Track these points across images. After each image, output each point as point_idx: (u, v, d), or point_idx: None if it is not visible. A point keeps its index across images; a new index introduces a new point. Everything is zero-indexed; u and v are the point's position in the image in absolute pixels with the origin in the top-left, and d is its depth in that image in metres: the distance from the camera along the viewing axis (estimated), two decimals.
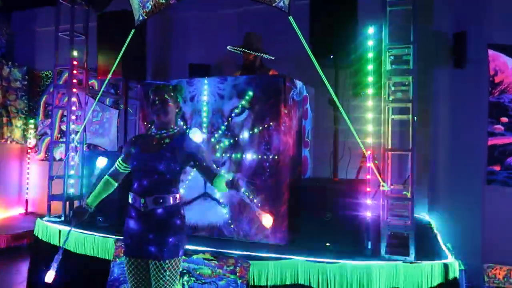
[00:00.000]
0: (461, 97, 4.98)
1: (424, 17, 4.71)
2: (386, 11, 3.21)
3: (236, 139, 3.61)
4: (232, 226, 3.61)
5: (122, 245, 2.75)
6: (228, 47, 4.49)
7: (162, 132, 2.37)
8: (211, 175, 2.33)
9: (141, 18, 3.99)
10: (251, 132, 3.58)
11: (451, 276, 2.97)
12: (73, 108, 4.21)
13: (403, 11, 3.31)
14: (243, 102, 3.61)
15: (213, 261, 3.19)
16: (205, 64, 5.88)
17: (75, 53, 4.23)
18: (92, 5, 4.32)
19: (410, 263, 3.01)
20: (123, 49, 3.95)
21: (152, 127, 2.46)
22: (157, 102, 2.34)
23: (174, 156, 2.31)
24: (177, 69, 5.88)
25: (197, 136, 3.67)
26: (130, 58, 4.22)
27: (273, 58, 4.41)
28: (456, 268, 3.00)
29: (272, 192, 3.49)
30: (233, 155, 3.60)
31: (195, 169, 2.40)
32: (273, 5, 3.56)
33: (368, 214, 3.25)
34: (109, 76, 4.07)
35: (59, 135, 7.16)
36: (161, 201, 2.29)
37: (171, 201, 2.32)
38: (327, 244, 3.37)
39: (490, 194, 4.97)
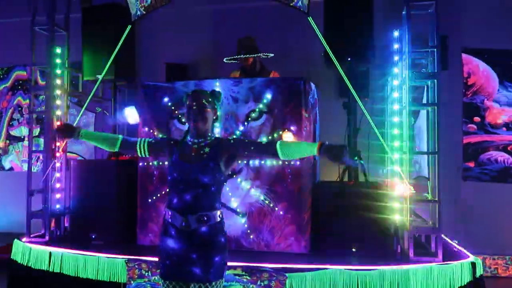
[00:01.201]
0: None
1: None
2: (409, 15, 3.23)
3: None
4: (251, 236, 3.43)
5: (145, 267, 2.47)
6: (224, 60, 4.26)
7: (200, 140, 2.16)
8: (269, 147, 2.14)
9: (138, 13, 3.63)
10: (270, 137, 3.42)
11: (478, 273, 3.08)
12: (58, 113, 3.70)
13: (416, 15, 3.36)
14: (261, 106, 3.43)
15: (245, 277, 2.99)
16: (182, 64, 5.56)
17: (57, 50, 3.71)
18: None
19: (441, 264, 3.07)
20: (118, 46, 3.57)
21: (187, 135, 2.23)
22: (194, 107, 2.13)
23: (217, 164, 2.12)
24: (151, 69, 5.48)
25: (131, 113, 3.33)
26: (120, 57, 3.81)
27: (272, 55, 4.26)
28: (481, 265, 3.12)
29: (295, 199, 3.36)
30: (251, 162, 3.41)
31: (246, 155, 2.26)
32: (291, 4, 3.43)
33: (396, 217, 3.26)
34: (101, 76, 3.66)
35: (7, 141, 6.38)
36: (205, 219, 2.07)
37: (216, 219, 2.12)
38: (353, 249, 3.33)
39: (466, 190, 5.30)
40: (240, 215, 3.42)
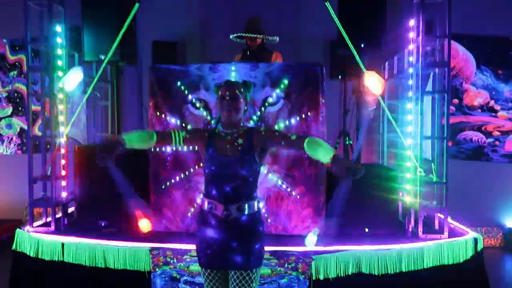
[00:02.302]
0: None
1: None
2: (422, 4, 3.34)
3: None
4: (269, 220, 3.49)
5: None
6: (231, 37, 4.18)
7: (233, 131, 2.17)
8: (297, 143, 2.11)
9: None
10: (287, 122, 3.45)
11: (479, 247, 3.38)
12: (60, 96, 3.48)
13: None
14: (278, 91, 3.44)
15: (273, 260, 3.08)
16: (170, 41, 5.38)
17: (58, 28, 3.45)
18: None
19: (449, 241, 3.32)
20: (126, 25, 3.39)
21: (218, 125, 2.25)
22: (227, 98, 2.12)
23: (253, 155, 2.14)
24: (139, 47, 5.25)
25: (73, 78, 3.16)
26: (121, 37, 3.62)
27: (277, 39, 4.25)
28: (482, 241, 3.42)
29: (312, 183, 3.45)
30: None
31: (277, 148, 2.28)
32: None
33: (406, 199, 3.46)
34: (108, 57, 3.47)
35: None
36: (245, 207, 2.13)
37: (255, 208, 2.18)
38: (366, 229, 3.51)
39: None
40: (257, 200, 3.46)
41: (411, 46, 3.36)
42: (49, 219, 3.65)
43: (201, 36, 5.67)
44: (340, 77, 5.17)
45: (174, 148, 2.23)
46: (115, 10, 3.69)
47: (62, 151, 3.54)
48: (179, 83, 3.50)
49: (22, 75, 5.77)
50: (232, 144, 2.14)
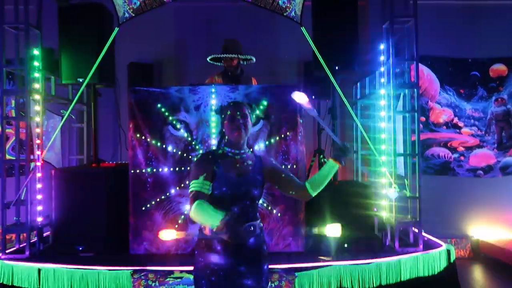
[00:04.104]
0: None
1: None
2: (392, 30, 3.55)
3: (251, 150, 3.51)
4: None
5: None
6: (208, 59, 4.25)
7: (241, 152, 2.13)
8: (299, 185, 2.13)
9: (126, 15, 3.50)
10: (267, 142, 3.54)
11: (452, 258, 3.54)
12: (37, 119, 3.43)
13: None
14: (258, 112, 3.53)
15: None
16: (146, 63, 5.41)
17: (35, 52, 3.43)
18: None
19: (424, 253, 3.46)
20: (105, 48, 3.42)
21: (223, 147, 2.16)
22: (238, 117, 2.09)
23: (262, 177, 2.12)
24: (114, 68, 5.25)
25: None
26: (101, 60, 3.63)
27: (254, 60, 4.36)
28: (454, 252, 3.59)
29: (291, 201, 3.53)
30: None
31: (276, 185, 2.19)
32: (285, 14, 3.57)
33: (383, 214, 3.59)
34: (87, 80, 3.47)
35: None
36: (252, 229, 2.06)
37: (260, 228, 2.13)
38: (345, 245, 3.61)
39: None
40: None
41: (382, 69, 3.55)
42: (23, 245, 3.53)
43: (176, 58, 5.73)
44: (313, 97, 5.33)
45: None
46: (92, 33, 3.68)
47: (38, 174, 3.46)
48: (159, 105, 3.53)
49: None
50: (242, 164, 2.10)
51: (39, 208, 3.52)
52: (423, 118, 5.99)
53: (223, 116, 2.16)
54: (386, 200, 3.61)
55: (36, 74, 3.44)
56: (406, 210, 3.82)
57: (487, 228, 5.72)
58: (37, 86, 3.45)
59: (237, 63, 4.19)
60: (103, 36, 3.61)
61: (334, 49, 3.70)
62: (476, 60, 5.96)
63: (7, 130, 5.09)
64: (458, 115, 6.00)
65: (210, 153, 2.16)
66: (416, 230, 3.65)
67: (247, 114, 2.12)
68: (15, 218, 3.59)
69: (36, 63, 3.43)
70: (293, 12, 3.51)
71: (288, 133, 3.53)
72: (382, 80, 3.55)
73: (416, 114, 3.57)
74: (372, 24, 4.49)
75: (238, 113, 2.10)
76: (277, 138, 3.53)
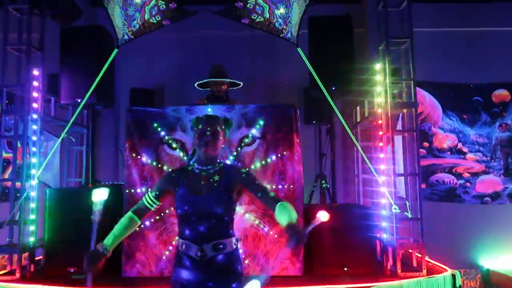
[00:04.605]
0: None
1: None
2: (388, 50, 3.56)
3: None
4: (246, 262, 3.41)
5: None
6: (196, 85, 4.28)
7: (209, 168, 2.07)
8: (271, 203, 1.99)
9: (126, 37, 3.57)
10: (263, 162, 3.49)
11: (457, 284, 3.38)
12: (34, 138, 3.44)
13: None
14: (254, 131, 3.50)
15: None
16: (148, 89, 5.48)
17: (35, 72, 3.49)
18: (59, 18, 3.63)
19: (428, 277, 3.31)
20: (104, 69, 3.47)
21: (193, 161, 2.12)
22: (208, 133, 2.02)
23: (229, 193, 2.04)
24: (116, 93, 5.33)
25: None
26: (100, 80, 3.68)
27: (241, 84, 4.37)
28: (459, 277, 3.42)
29: None
30: None
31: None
32: (281, 36, 3.61)
33: (384, 236, 3.47)
34: (84, 100, 3.50)
35: None
36: (221, 247, 1.99)
37: (232, 246, 2.04)
38: (345, 268, 3.47)
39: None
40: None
41: (379, 88, 3.53)
42: (15, 266, 3.45)
43: (177, 84, 5.80)
44: (314, 121, 5.32)
45: (154, 209, 2.13)
46: (92, 55, 3.76)
47: (33, 194, 3.43)
48: (155, 125, 3.53)
49: None
50: (207, 181, 2.04)
51: (32, 228, 3.46)
52: (426, 144, 5.92)
53: (195, 129, 2.09)
54: (387, 222, 3.50)
55: (35, 94, 3.47)
56: (409, 233, 3.70)
57: (498, 258, 5.50)
58: (35, 105, 3.47)
59: (226, 88, 4.20)
60: (103, 58, 3.66)
61: (331, 70, 3.71)
62: (478, 85, 5.95)
63: (6, 155, 5.14)
64: (462, 141, 5.92)
65: (176, 172, 2.14)
66: (420, 256, 3.50)
67: (218, 131, 2.04)
68: (8, 239, 3.54)
69: (35, 83, 3.47)
70: (289, 34, 3.56)
71: (284, 153, 3.49)
72: (380, 99, 3.52)
73: (415, 133, 3.51)
74: (368, 45, 4.52)
75: (208, 128, 2.03)
76: (274, 157, 3.49)
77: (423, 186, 5.86)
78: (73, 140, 4.55)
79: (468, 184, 5.85)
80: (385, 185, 3.45)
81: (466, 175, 5.87)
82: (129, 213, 2.11)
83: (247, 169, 2.19)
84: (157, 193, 2.09)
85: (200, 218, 1.98)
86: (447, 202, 5.82)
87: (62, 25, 3.75)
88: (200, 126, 2.06)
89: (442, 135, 5.94)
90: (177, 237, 2.09)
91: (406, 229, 3.70)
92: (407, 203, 3.71)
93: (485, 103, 5.95)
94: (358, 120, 4.63)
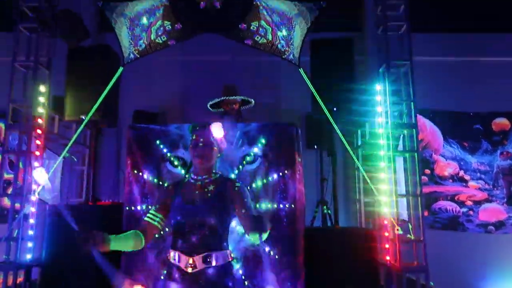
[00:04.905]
0: None
1: None
2: (388, 72, 3.63)
3: (249, 188, 3.45)
4: (246, 283, 3.33)
5: None
6: (209, 104, 4.35)
7: (204, 177, 2.09)
8: (248, 226, 2.00)
9: (132, 56, 3.65)
10: (264, 180, 3.48)
11: None
12: (37, 153, 3.45)
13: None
14: (255, 150, 3.51)
15: None
16: (151, 112, 5.53)
17: (42, 89, 3.54)
18: (68, 37, 3.73)
19: None
20: (109, 86, 3.52)
21: (190, 173, 2.17)
22: (201, 144, 2.08)
23: (223, 204, 2.04)
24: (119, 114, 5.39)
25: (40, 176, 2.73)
26: (104, 98, 3.73)
27: (253, 103, 4.43)
28: None
29: (290, 242, 3.38)
30: None
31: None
32: (283, 57, 3.69)
33: (387, 259, 3.40)
34: (88, 117, 3.53)
35: None
36: (212, 259, 1.96)
37: (223, 259, 2.01)
38: None
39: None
40: (234, 261, 3.33)
41: (380, 108, 3.57)
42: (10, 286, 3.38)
43: (181, 107, 5.88)
44: (315, 146, 5.34)
45: (166, 229, 2.12)
46: (98, 73, 3.83)
47: (32, 209, 3.41)
48: (158, 142, 3.54)
49: None
50: (201, 190, 2.05)
51: (30, 244, 3.41)
52: (428, 171, 5.91)
53: (191, 139, 2.15)
54: (391, 243, 3.44)
55: (41, 110, 3.51)
56: (412, 257, 3.63)
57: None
58: (40, 121, 3.51)
59: (238, 107, 4.27)
60: (108, 77, 3.72)
61: (332, 91, 3.76)
62: (477, 114, 6.01)
63: (7, 176, 5.13)
64: (463, 168, 5.91)
65: (174, 184, 2.16)
66: (424, 283, 3.43)
67: (211, 142, 2.10)
68: (4, 256, 3.48)
69: (41, 99, 3.52)
70: (291, 55, 3.63)
71: (286, 172, 3.48)
72: (380, 120, 3.55)
73: (416, 154, 3.52)
74: (368, 68, 4.61)
75: (201, 139, 2.09)
76: (275, 176, 3.47)
77: (426, 213, 5.80)
78: (75, 160, 4.55)
79: (471, 212, 5.79)
80: (387, 205, 3.42)
81: (469, 203, 5.82)
82: (135, 231, 2.09)
83: (241, 183, 2.16)
84: (157, 206, 2.11)
85: (193, 228, 1.98)
86: (450, 231, 5.73)
87: (69, 45, 3.84)
88: (194, 137, 2.12)
89: (444, 163, 5.94)
90: (169, 248, 2.06)
91: (410, 252, 3.64)
92: (410, 225, 3.67)
93: (486, 131, 5.99)
94: (359, 144, 4.64)
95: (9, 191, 4.99)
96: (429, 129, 6.01)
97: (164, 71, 5.80)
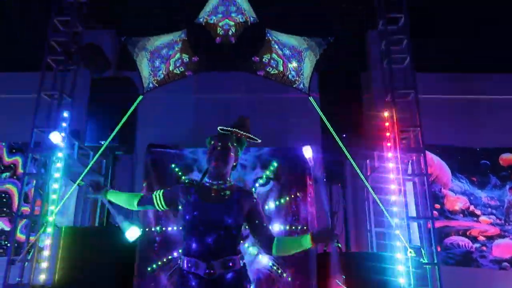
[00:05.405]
0: None
1: None
2: (394, 102, 3.79)
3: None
4: None
5: None
6: (218, 128, 4.50)
7: (220, 182, 2.06)
8: (268, 235, 2.04)
9: (151, 85, 3.87)
10: (277, 202, 3.55)
11: None
12: (56, 175, 3.58)
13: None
14: (268, 173, 3.62)
15: None
16: (164, 145, 5.69)
17: (65, 114, 3.74)
18: (91, 68, 3.99)
19: None
20: (128, 114, 3.70)
21: (205, 177, 2.16)
22: (218, 148, 2.08)
23: (240, 208, 2.03)
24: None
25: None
26: (123, 126, 3.90)
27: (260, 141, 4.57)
28: None
29: (303, 265, 3.39)
30: None
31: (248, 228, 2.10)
32: (294, 86, 3.88)
33: (400, 280, 3.38)
34: (107, 142, 3.69)
35: None
36: (230, 264, 1.92)
37: (240, 263, 1.98)
38: None
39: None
40: None
41: (388, 134, 3.70)
42: None
43: (194, 143, 6.02)
44: (325, 180, 5.41)
45: (159, 209, 2.16)
46: (119, 104, 4.00)
47: (49, 230, 3.47)
48: (173, 165, 3.68)
49: (15, 177, 5.85)
50: (217, 193, 2.04)
51: (44, 265, 3.44)
52: (438, 205, 5.89)
53: (208, 147, 2.16)
54: (403, 266, 3.43)
55: (63, 134, 3.67)
56: (426, 281, 3.59)
57: None
58: (61, 144, 3.66)
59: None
60: (127, 106, 3.92)
61: (340, 119, 3.91)
62: (484, 149, 6.08)
63: (23, 208, 5.22)
64: (473, 203, 5.89)
65: (188, 183, 2.13)
66: None
67: (229, 147, 2.11)
68: (17, 278, 3.50)
69: (64, 124, 3.70)
70: (301, 85, 3.83)
71: (298, 194, 3.56)
72: (389, 144, 3.67)
73: (425, 177, 3.59)
74: (375, 98, 4.78)
75: (219, 143, 2.11)
76: (287, 198, 3.55)
77: (438, 249, 5.72)
78: (90, 189, 4.64)
79: (484, 248, 5.70)
80: (399, 227, 3.45)
81: (481, 238, 5.74)
82: (140, 194, 2.23)
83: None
84: (166, 190, 2.13)
85: (208, 228, 1.94)
86: (464, 267, 5.62)
87: (92, 75, 4.09)
88: (212, 142, 2.13)
89: (453, 197, 5.94)
90: (181, 255, 1.99)
91: (424, 277, 3.61)
92: (423, 250, 3.66)
93: (493, 166, 6.03)
94: (368, 173, 4.72)
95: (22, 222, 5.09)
96: (437, 164, 6.07)
97: (178, 107, 6.01)
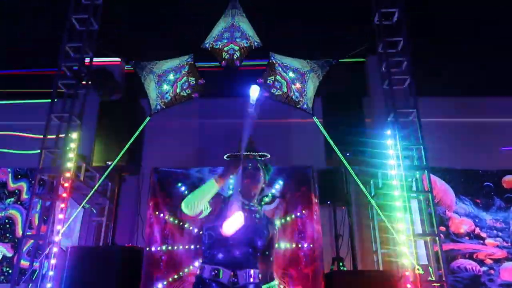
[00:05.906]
0: None
1: None
2: (396, 121, 3.87)
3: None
4: None
5: None
6: (225, 156, 4.57)
7: (251, 204, 2.14)
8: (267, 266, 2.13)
9: (158, 107, 3.97)
10: (283, 220, 3.57)
11: None
12: (62, 205, 3.60)
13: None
14: (273, 191, 3.65)
15: None
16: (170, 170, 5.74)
17: (74, 135, 3.81)
18: (102, 93, 4.11)
19: None
20: (136, 134, 3.78)
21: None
22: (250, 168, 2.18)
23: (268, 235, 2.11)
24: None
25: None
26: (130, 147, 3.97)
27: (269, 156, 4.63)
28: None
29: (309, 282, 3.37)
30: None
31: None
32: (298, 106, 3.98)
33: None
34: (114, 163, 3.75)
35: None
36: (253, 276, 1.97)
37: (260, 277, 2.04)
38: None
39: None
40: None
41: (392, 152, 3.75)
42: None
43: (199, 164, 6.08)
44: (329, 202, 5.41)
45: (204, 213, 2.14)
46: (127, 126, 4.09)
47: (55, 249, 3.47)
48: (179, 184, 3.71)
49: (19, 202, 5.87)
50: (250, 214, 2.08)
51: (49, 285, 3.41)
52: (443, 228, 5.87)
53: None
54: (412, 284, 3.40)
55: (71, 155, 3.73)
56: None
57: None
58: (69, 165, 3.71)
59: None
60: (134, 128, 4.01)
61: (343, 138, 3.98)
62: (486, 171, 6.11)
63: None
64: (479, 225, 5.86)
65: (225, 197, 2.19)
66: None
67: (259, 167, 2.22)
68: None
69: (72, 145, 3.77)
70: (305, 105, 3.93)
71: (303, 212, 3.58)
72: (392, 162, 3.71)
73: (430, 195, 3.62)
74: (377, 114, 4.86)
75: (250, 164, 2.21)
76: (293, 216, 3.57)
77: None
78: (94, 211, 4.67)
79: (492, 271, 5.63)
80: (405, 245, 3.44)
81: (488, 261, 5.68)
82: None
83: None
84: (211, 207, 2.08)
85: (238, 242, 1.98)
86: None
87: (101, 98, 4.20)
88: (241, 164, 2.16)
89: (458, 220, 5.91)
90: (201, 264, 2.01)
91: None
92: (430, 269, 3.64)
93: (496, 188, 6.03)
94: (373, 194, 4.74)
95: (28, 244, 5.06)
96: (440, 186, 6.08)
97: (183, 132, 6.11)
